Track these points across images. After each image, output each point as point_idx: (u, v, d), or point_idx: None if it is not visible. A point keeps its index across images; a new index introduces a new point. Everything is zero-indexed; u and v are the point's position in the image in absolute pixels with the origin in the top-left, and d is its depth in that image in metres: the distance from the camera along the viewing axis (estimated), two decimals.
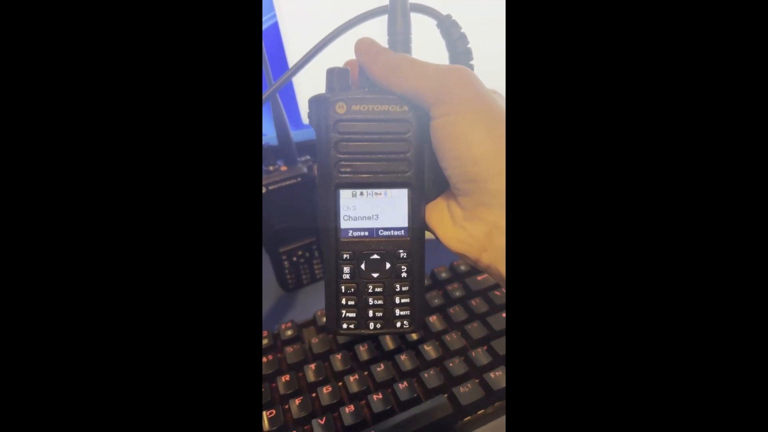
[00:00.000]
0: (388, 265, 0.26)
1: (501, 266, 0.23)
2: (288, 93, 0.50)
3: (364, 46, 0.25)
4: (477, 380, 0.35)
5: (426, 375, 0.36)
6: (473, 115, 0.23)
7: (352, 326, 0.26)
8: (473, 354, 0.37)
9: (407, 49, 0.26)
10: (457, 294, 0.43)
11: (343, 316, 0.26)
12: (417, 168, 0.25)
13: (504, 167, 0.22)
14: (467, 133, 0.23)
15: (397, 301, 0.26)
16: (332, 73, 0.25)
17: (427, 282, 0.45)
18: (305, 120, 0.46)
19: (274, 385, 0.37)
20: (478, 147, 0.22)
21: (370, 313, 0.26)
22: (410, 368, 0.37)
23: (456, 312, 0.41)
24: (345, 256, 0.26)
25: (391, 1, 0.26)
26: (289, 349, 0.39)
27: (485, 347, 0.38)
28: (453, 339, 0.38)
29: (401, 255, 0.26)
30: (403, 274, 0.26)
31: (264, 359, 0.39)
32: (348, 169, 0.25)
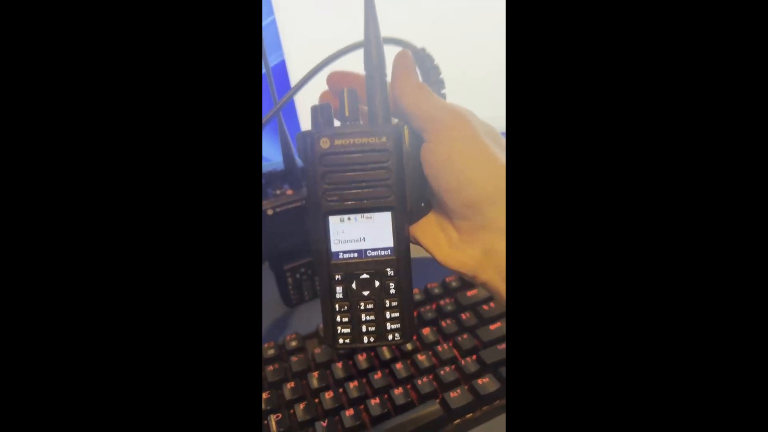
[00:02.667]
0: (377, 284, 0.28)
1: (497, 284, 0.25)
2: (293, 123, 0.54)
3: (404, 59, 0.27)
4: (466, 386, 0.39)
5: (420, 382, 0.39)
6: (470, 142, 0.25)
7: (348, 341, 0.28)
8: (463, 363, 0.40)
9: (383, 78, 0.28)
10: (449, 308, 0.46)
11: (339, 332, 0.28)
12: (398, 192, 0.27)
13: (500, 194, 0.24)
14: (464, 157, 0.25)
15: (388, 315, 0.28)
16: (316, 111, 0.28)
17: (420, 297, 0.48)
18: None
19: (280, 391, 0.40)
20: (474, 171, 0.25)
21: (364, 328, 0.28)
22: (405, 376, 0.40)
23: (448, 325, 0.44)
24: (337, 276, 0.28)
25: (365, 35, 0.28)
26: (294, 359, 0.42)
27: (474, 357, 0.41)
28: (445, 349, 0.42)
29: (389, 273, 0.28)
30: (392, 291, 0.28)
31: (271, 368, 0.42)
32: (335, 198, 0.27)
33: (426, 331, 0.44)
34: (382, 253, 0.28)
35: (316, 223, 0.28)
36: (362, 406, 0.38)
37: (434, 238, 0.28)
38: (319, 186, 0.27)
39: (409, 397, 0.38)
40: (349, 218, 0.27)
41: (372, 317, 0.28)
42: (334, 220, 0.27)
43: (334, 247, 0.28)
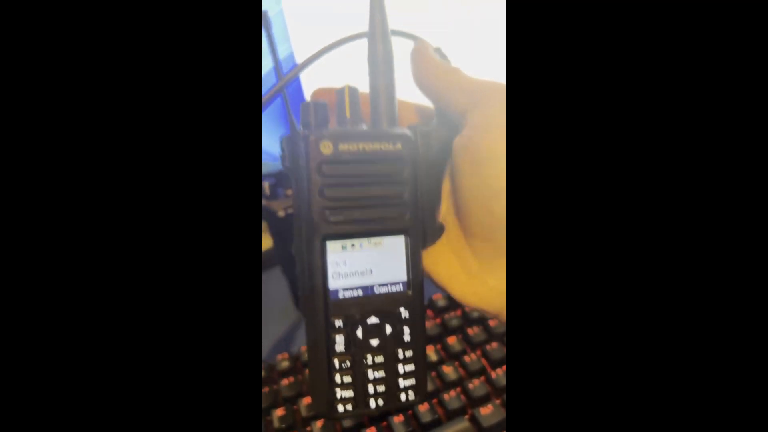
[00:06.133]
0: (389, 329, 0.23)
1: None
2: None
3: (425, 46, 0.24)
4: (498, 401, 0.35)
5: (446, 396, 0.36)
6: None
7: (349, 407, 0.22)
8: (494, 375, 0.37)
9: (390, 72, 0.24)
10: (475, 314, 0.43)
11: (339, 396, 0.22)
12: (414, 211, 0.23)
13: None
14: (499, 152, 0.20)
15: (401, 370, 0.23)
16: (307, 109, 0.23)
17: (444, 303, 0.45)
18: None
19: (295, 407, 0.37)
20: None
21: (371, 389, 0.23)
22: (430, 390, 0.37)
23: (475, 333, 0.41)
24: (338, 323, 0.22)
25: (370, 27, 0.24)
26: (308, 372, 0.39)
27: (505, 367, 0.38)
28: (473, 360, 0.39)
29: (402, 315, 0.23)
30: (406, 337, 0.23)
31: (285, 381, 0.39)
32: (339, 218, 0.22)
33: (451, 340, 0.41)
34: (394, 288, 0.23)
35: (306, 250, 0.22)
36: (384, 423, 0.35)
37: (449, 269, 0.24)
38: (315, 202, 0.22)
39: (436, 413, 0.35)
40: (353, 245, 0.22)
41: (381, 374, 0.23)
42: (333, 247, 0.22)
43: (333, 284, 0.22)
